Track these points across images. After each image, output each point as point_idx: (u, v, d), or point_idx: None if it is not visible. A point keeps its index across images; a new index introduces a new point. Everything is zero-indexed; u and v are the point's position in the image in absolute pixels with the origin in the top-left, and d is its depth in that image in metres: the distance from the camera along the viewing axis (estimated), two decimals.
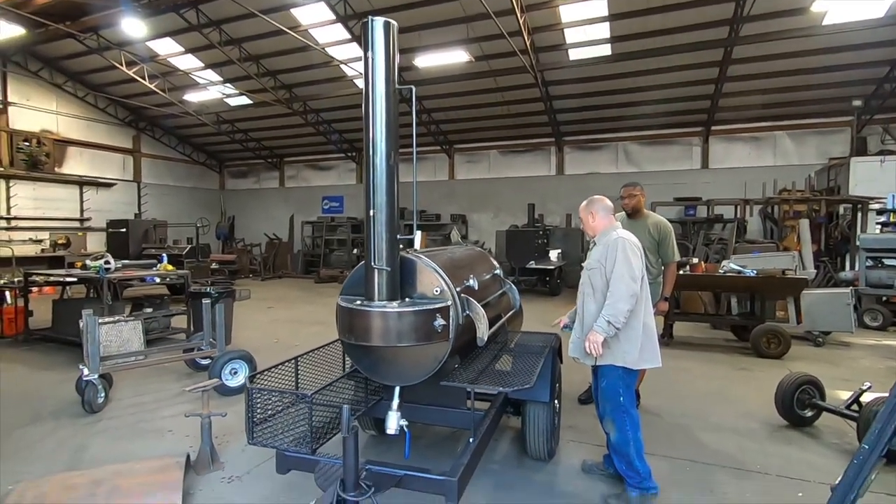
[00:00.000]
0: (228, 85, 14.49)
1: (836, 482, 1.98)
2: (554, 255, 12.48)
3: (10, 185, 14.09)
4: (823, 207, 10.36)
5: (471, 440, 2.51)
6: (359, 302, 2.46)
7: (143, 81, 14.08)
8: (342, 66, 13.08)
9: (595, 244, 3.13)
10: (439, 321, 2.41)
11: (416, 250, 2.77)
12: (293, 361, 2.97)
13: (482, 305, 2.92)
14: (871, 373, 5.60)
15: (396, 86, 2.39)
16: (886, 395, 2.17)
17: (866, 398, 3.86)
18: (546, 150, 16.07)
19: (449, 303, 2.50)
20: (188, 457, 3.22)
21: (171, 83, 14.77)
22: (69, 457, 3.62)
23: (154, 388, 5.20)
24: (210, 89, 14.86)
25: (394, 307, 2.38)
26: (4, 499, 2.65)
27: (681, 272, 6.75)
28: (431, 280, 2.54)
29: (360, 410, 2.93)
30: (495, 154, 16.82)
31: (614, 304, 2.78)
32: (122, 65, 13.50)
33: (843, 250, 10.05)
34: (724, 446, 3.77)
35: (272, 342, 7.16)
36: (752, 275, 6.65)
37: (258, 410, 2.47)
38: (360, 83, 14.35)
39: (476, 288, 2.76)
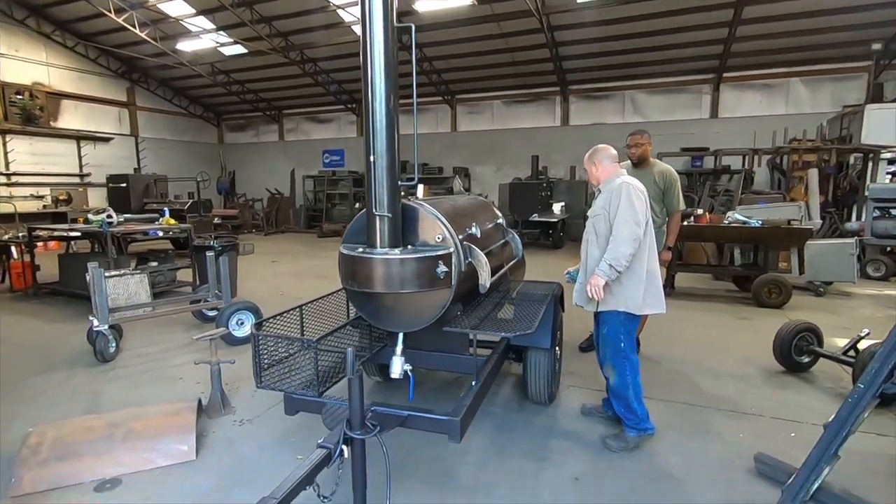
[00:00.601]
0: (222, 33, 13.95)
1: (829, 420, 2.03)
2: (557, 207, 12.39)
3: (7, 140, 13.89)
4: (834, 157, 10.13)
5: (473, 384, 2.57)
6: (361, 249, 2.45)
7: (133, 30, 13.55)
8: (339, 12, 12.53)
9: (600, 192, 3.09)
10: (442, 268, 2.42)
11: (418, 198, 2.73)
12: (298, 310, 3.00)
13: (484, 254, 2.91)
14: (871, 321, 5.65)
15: (395, 24, 2.28)
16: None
17: (863, 345, 3.91)
18: (551, 101, 15.63)
19: (451, 250, 2.49)
20: (200, 402, 3.33)
21: (162, 31, 14.23)
22: (86, 402, 3.75)
23: (163, 338, 5.31)
24: (203, 38, 14.31)
25: (396, 254, 2.37)
26: (26, 440, 2.76)
27: (685, 223, 6.71)
28: (433, 227, 2.52)
29: (364, 357, 2.99)
30: (499, 104, 16.38)
31: (616, 247, 2.78)
32: (110, 12, 12.96)
33: (851, 201, 9.93)
34: (721, 391, 3.86)
35: (277, 295, 7.25)
36: (756, 225, 6.60)
37: (265, 356, 2.52)
38: (358, 30, 13.77)
39: (479, 236, 2.74)
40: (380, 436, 2.09)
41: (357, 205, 16.55)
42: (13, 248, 8.08)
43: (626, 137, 4.37)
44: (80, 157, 15.66)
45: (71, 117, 15.61)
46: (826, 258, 6.90)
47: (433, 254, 2.42)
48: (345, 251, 2.52)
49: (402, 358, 2.69)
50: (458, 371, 3.21)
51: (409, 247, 2.51)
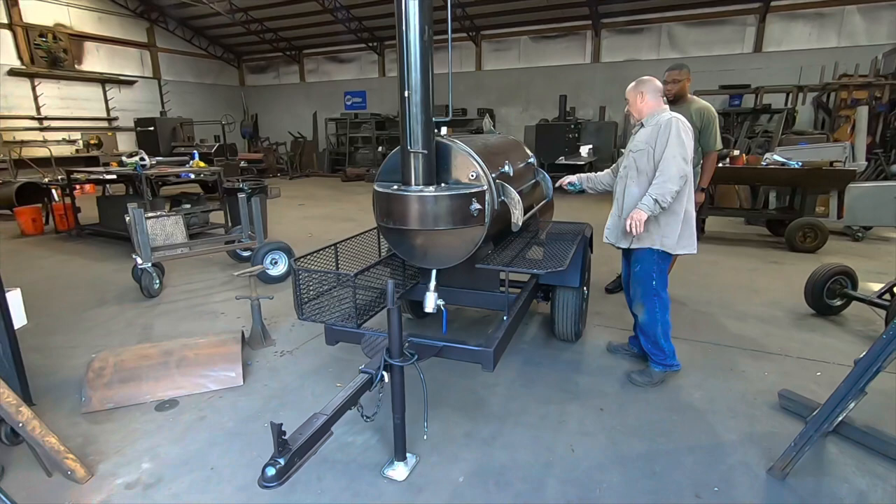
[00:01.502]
0: None
1: (861, 355, 2.06)
2: (585, 150, 12.06)
3: (36, 84, 14.02)
4: (886, 94, 9.48)
5: (504, 318, 2.66)
6: (395, 187, 2.48)
7: None
8: None
9: (642, 126, 3.00)
10: (475, 206, 2.44)
11: (450, 136, 2.71)
12: (333, 248, 3.09)
13: (518, 191, 2.91)
14: None
15: None
16: None
17: None
18: (581, 36, 14.83)
19: (485, 187, 2.50)
20: (243, 334, 3.54)
21: None
22: (138, 333, 4.02)
23: (201, 277, 5.56)
24: None
25: (430, 192, 2.39)
26: (90, 364, 3.00)
27: (719, 165, 6.49)
28: (467, 165, 2.52)
29: (397, 294, 3.09)
30: (526, 41, 15.63)
31: (664, 183, 2.74)
32: None
33: None
34: (747, 332, 3.89)
35: (306, 236, 7.42)
36: (796, 167, 6.34)
37: (304, 290, 2.64)
38: None
39: (511, 174, 2.73)
40: (417, 364, 2.22)
41: (380, 148, 16.40)
42: (54, 191, 8.39)
43: (664, 73, 4.18)
44: (106, 101, 15.78)
45: (95, 60, 15.59)
46: (867, 202, 6.62)
47: (467, 191, 2.43)
48: (379, 189, 2.56)
49: (436, 294, 2.78)
50: (489, 307, 3.30)
51: (443, 184, 2.53)
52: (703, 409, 2.86)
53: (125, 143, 15.63)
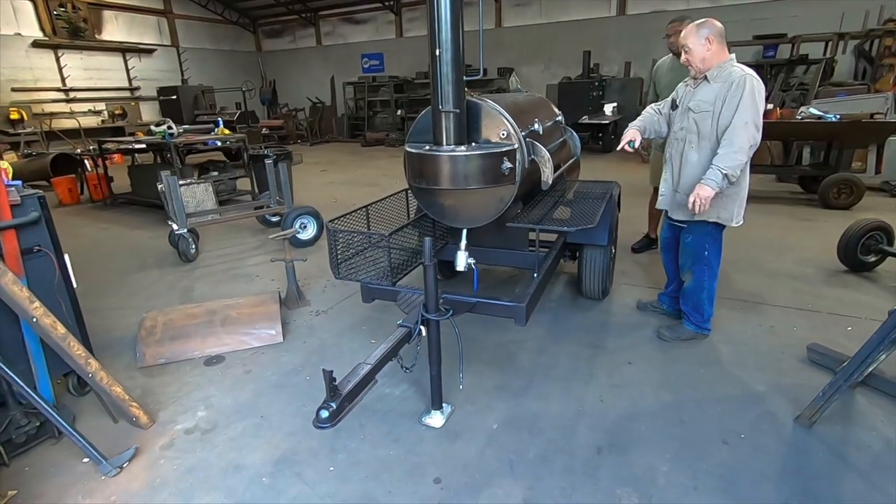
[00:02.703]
0: None
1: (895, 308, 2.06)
2: (609, 108, 11.73)
3: (60, 55, 14.17)
4: None
5: (535, 275, 2.71)
6: (427, 147, 2.51)
7: None
8: None
9: (705, 80, 2.67)
10: (506, 164, 2.46)
11: (479, 95, 2.71)
12: (364, 209, 3.17)
13: (548, 149, 2.91)
14: None
15: None
16: None
17: None
18: None
19: (515, 146, 2.51)
20: (280, 294, 3.69)
21: None
22: (180, 295, 4.21)
23: (234, 241, 5.73)
24: None
25: (462, 151, 2.42)
26: (142, 323, 3.20)
27: None
28: (497, 124, 2.53)
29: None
30: None
31: (734, 154, 2.47)
32: None
33: None
34: (777, 289, 3.87)
35: (331, 202, 7.52)
36: (833, 120, 6.09)
37: (340, 250, 2.73)
38: None
39: (541, 132, 2.73)
40: (452, 319, 2.31)
41: (399, 112, 16.22)
42: (87, 162, 8.63)
43: (667, 25, 4.03)
44: (127, 71, 15.88)
45: (114, 29, 15.60)
46: None
47: (498, 150, 2.45)
48: (411, 150, 2.59)
49: (467, 252, 2.85)
50: (518, 266, 3.35)
51: (474, 144, 2.55)
52: (731, 362, 2.91)
53: (148, 112, 15.80)
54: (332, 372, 1.66)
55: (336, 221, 2.94)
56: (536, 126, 2.71)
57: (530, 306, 2.46)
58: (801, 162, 7.40)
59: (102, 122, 14.87)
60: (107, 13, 15.40)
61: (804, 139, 6.94)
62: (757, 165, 7.58)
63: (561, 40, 14.91)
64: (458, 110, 2.34)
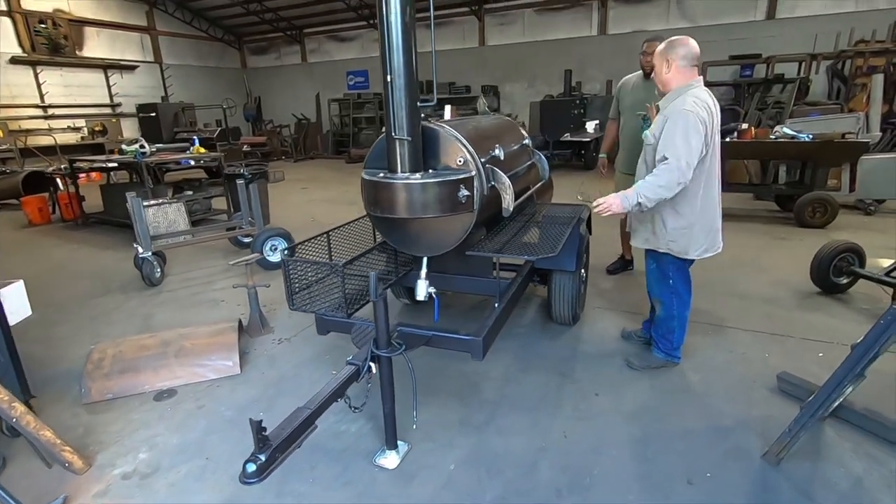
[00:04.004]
0: None
1: (858, 340, 2.00)
2: (591, 126, 11.81)
3: (38, 71, 13.99)
4: None
5: (496, 305, 2.63)
6: (382, 175, 2.44)
7: None
8: None
9: (658, 109, 2.65)
10: (463, 192, 2.38)
11: (439, 120, 2.64)
12: (325, 235, 3.07)
13: (509, 176, 2.85)
14: None
15: None
16: None
17: None
18: (587, 7, 14.38)
19: (473, 173, 2.44)
20: (240, 322, 3.56)
21: None
22: (140, 323, 4.06)
23: (203, 264, 5.58)
24: None
25: (417, 179, 2.34)
26: (89, 356, 3.04)
27: (726, 139, 6.32)
28: (455, 150, 2.46)
29: (390, 280, 3.08)
30: (530, 14, 15.20)
31: (657, 187, 2.41)
32: None
33: None
34: (750, 313, 3.82)
35: (309, 221, 7.41)
36: (806, 140, 6.15)
37: (295, 280, 2.63)
38: None
39: (502, 158, 2.67)
40: (405, 354, 2.20)
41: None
42: (59, 180, 8.44)
43: (643, 44, 4.02)
44: (109, 88, 15.72)
45: (95, 45, 15.47)
46: (881, 174, 6.43)
47: (454, 178, 2.38)
48: (366, 176, 2.51)
49: (427, 281, 2.75)
50: (483, 293, 3.26)
51: (431, 171, 2.47)
52: (701, 392, 2.84)
53: (129, 129, 15.61)
54: (260, 422, 1.55)
55: (301, 246, 2.85)
56: (497, 152, 2.65)
57: (488, 340, 2.37)
58: (778, 180, 7.46)
59: (82, 138, 14.65)
60: (89, 30, 15.28)
61: (779, 158, 7.00)
62: (734, 184, 7.65)
63: (544, 59, 15.08)
64: (410, 138, 2.27)
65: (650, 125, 2.83)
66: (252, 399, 2.91)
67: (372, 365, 2.12)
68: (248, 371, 3.23)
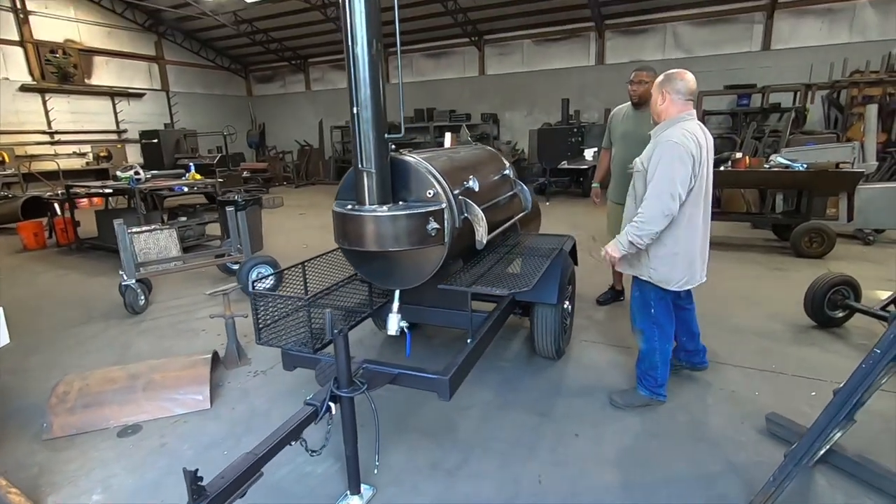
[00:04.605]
0: None
1: (840, 385, 1.89)
2: (590, 153, 11.85)
3: (47, 98, 14.30)
4: None
5: (469, 341, 2.53)
6: (350, 207, 2.39)
7: None
8: None
9: (650, 137, 2.70)
10: (433, 225, 2.32)
11: (411, 151, 2.61)
12: (301, 266, 3.01)
13: (485, 207, 2.80)
14: None
15: None
16: None
17: None
18: (585, 37, 14.63)
19: (443, 205, 2.39)
20: (215, 354, 3.47)
21: None
22: (117, 353, 3.98)
23: (190, 291, 5.52)
24: None
25: (384, 211, 2.29)
26: (54, 389, 2.96)
27: (720, 168, 6.28)
28: (425, 182, 2.41)
29: (365, 313, 3.00)
30: (529, 44, 15.48)
31: (643, 224, 2.48)
32: None
33: None
34: (741, 347, 3.70)
35: (301, 248, 7.37)
36: (800, 169, 6.10)
37: (263, 314, 2.55)
38: None
39: (476, 190, 2.61)
40: (368, 393, 2.11)
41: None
42: (56, 206, 8.49)
43: (631, 73, 4.03)
44: (115, 114, 16.03)
45: (104, 74, 15.85)
46: (879, 204, 6.36)
47: (423, 210, 2.32)
48: (335, 208, 2.46)
49: (399, 315, 2.67)
50: (459, 327, 3.17)
51: (401, 203, 2.42)
52: (686, 434, 2.70)
53: (134, 154, 15.84)
54: (195, 471, 1.45)
55: (266, 280, 2.79)
56: (471, 183, 2.60)
57: (456, 379, 2.27)
58: (775, 209, 7.39)
59: (87, 164, 14.85)
60: (98, 59, 15.68)
61: (774, 188, 6.95)
62: (731, 213, 7.60)
63: (543, 87, 15.27)
64: (374, 170, 2.23)
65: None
66: (218, 436, 2.80)
67: (332, 405, 2.02)
68: (219, 405, 3.12)
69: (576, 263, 3.80)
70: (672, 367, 3.23)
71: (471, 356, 2.45)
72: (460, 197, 2.51)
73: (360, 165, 2.25)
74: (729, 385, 3.19)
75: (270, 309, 2.67)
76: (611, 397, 3.01)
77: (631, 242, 2.56)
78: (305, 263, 3.07)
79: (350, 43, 2.13)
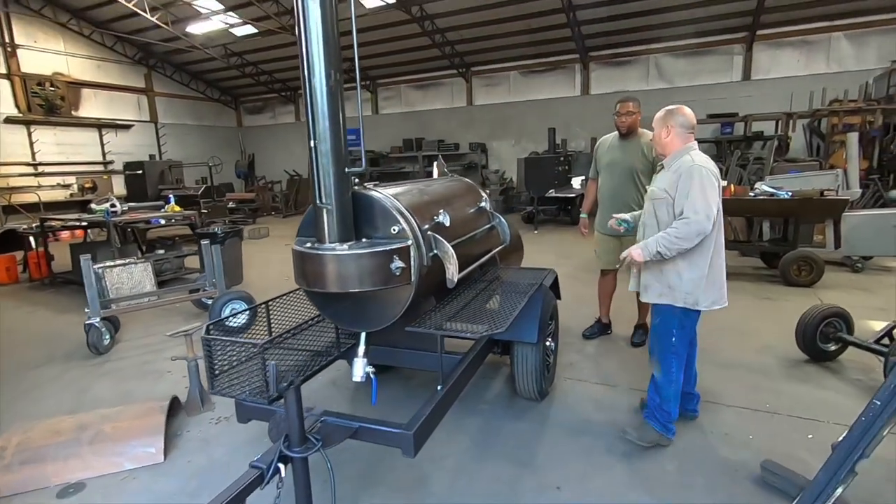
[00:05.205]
0: (231, 14, 13.77)
1: (839, 439, 1.73)
2: (577, 182, 11.88)
3: (32, 130, 14.21)
4: (879, 119, 9.28)
5: (439, 388, 2.35)
6: (309, 245, 2.24)
7: (144, 14, 13.49)
8: None
9: (662, 167, 2.75)
10: (397, 263, 2.17)
11: (376, 185, 2.49)
12: (265, 305, 2.84)
13: (458, 242, 2.66)
14: None
15: None
16: None
17: None
18: (570, 69, 14.90)
19: (409, 242, 2.24)
20: (174, 400, 3.24)
21: (173, 15, 14.12)
22: (73, 398, 3.73)
23: (162, 329, 5.27)
24: (213, 19, 14.18)
25: (344, 250, 2.14)
26: None
27: None
28: (390, 218, 2.27)
29: (333, 356, 2.81)
30: (516, 76, 15.74)
31: (676, 239, 2.49)
32: None
33: None
34: (733, 384, 3.53)
35: (283, 280, 7.17)
36: (785, 197, 6.06)
37: (217, 359, 2.36)
38: (366, 2, 13.39)
39: (447, 224, 2.48)
40: (324, 451, 1.91)
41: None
42: (31, 239, 8.26)
43: (616, 104, 4.00)
44: (102, 146, 15.94)
45: (91, 106, 15.84)
46: (865, 231, 6.31)
47: (386, 248, 2.17)
48: (295, 246, 2.31)
49: (365, 360, 2.49)
50: (432, 370, 2.98)
51: (365, 240, 2.28)
52: (676, 484, 2.51)
53: (120, 186, 15.70)
54: None
55: (223, 322, 2.60)
56: (442, 218, 2.47)
57: (422, 433, 2.07)
58: (762, 236, 7.33)
59: (71, 195, 14.67)
60: (86, 91, 15.70)
61: (759, 216, 6.90)
62: None
63: (530, 117, 15.45)
64: (330, 206, 2.09)
65: (632, 227, 3.03)
66: (169, 495, 2.56)
67: (281, 467, 1.82)
68: (175, 457, 2.89)
69: (558, 297, 3.65)
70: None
71: (440, 405, 2.26)
72: (429, 233, 2.37)
73: (318, 201, 2.11)
74: (721, 427, 3.01)
75: (229, 353, 2.48)
76: (624, 429, 2.87)
77: (659, 252, 2.55)
78: (270, 303, 2.90)
79: (307, 74, 2.02)
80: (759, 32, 12.43)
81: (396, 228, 2.23)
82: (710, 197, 2.50)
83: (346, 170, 2.14)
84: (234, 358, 2.49)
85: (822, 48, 12.09)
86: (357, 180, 2.35)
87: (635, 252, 2.64)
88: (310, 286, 2.27)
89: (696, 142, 2.74)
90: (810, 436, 2.87)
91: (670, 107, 2.75)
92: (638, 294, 4.37)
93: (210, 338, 2.29)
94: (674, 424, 2.82)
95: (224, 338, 2.33)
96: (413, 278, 2.26)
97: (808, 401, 3.27)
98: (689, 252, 2.59)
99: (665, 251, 2.54)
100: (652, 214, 2.74)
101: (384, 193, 2.35)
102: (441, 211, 2.49)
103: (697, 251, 2.59)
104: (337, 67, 2.06)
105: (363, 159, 2.15)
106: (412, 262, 2.24)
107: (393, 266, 2.16)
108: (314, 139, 2.05)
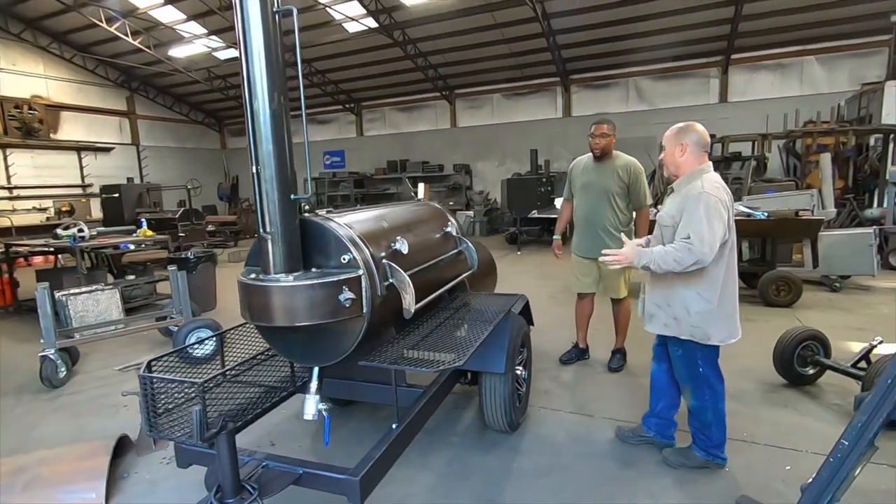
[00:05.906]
0: (214, 37, 13.80)
1: (808, 481, 1.62)
2: (560, 203, 11.89)
3: (7, 154, 13.97)
4: (852, 139, 9.45)
5: (394, 426, 2.20)
6: (253, 276, 2.11)
7: (126, 38, 13.48)
8: (328, 10, 12.23)
9: (672, 191, 2.63)
10: (347, 295, 2.05)
11: (329, 212, 2.38)
12: (218, 337, 2.69)
13: (419, 270, 2.55)
14: (889, 320, 5.13)
15: (275, 7, 1.93)
16: None
17: (878, 352, 3.45)
18: (552, 91, 15.10)
19: (360, 272, 2.13)
20: (123, 438, 3.05)
21: (156, 39, 14.13)
22: (17, 437, 3.50)
23: (124, 359, 5.04)
24: (196, 43, 14.20)
25: (288, 281, 2.02)
26: None
27: None
28: (341, 246, 2.17)
29: (288, 389, 2.66)
30: (499, 98, 15.91)
31: (674, 262, 2.35)
32: (102, 22, 12.89)
33: (872, 186, 9.24)
34: None
35: None
36: (762, 217, 6.07)
37: (160, 398, 2.20)
38: (349, 27, 13.51)
39: (405, 252, 2.38)
40: (261, 501, 1.76)
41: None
42: None
43: (591, 126, 3.99)
44: (81, 168, 15.71)
45: (71, 128, 15.66)
46: (842, 250, 6.33)
47: (334, 279, 2.06)
48: (240, 277, 2.19)
49: (317, 397, 2.34)
50: (390, 404, 2.84)
51: (315, 270, 2.16)
52: None
53: (99, 209, 15.43)
54: None
55: (166, 359, 2.45)
56: (399, 245, 2.36)
57: (370, 479, 1.92)
58: (741, 257, 7.33)
59: (48, 219, 14.34)
60: (66, 114, 15.53)
61: (739, 236, 6.89)
62: None
63: (513, 139, 15.58)
64: (270, 236, 1.98)
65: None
66: None
67: None
68: (118, 502, 2.69)
69: (531, 323, 3.54)
70: (637, 437, 2.99)
71: (394, 445, 2.12)
72: (384, 261, 2.26)
73: (262, 231, 2.00)
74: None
75: (174, 391, 2.33)
76: (663, 453, 2.79)
77: (652, 264, 2.44)
78: (227, 333, 2.76)
79: (249, 96, 1.94)
80: (734, 56, 12.72)
81: (347, 258, 2.12)
82: (715, 227, 2.35)
83: (292, 197, 2.03)
84: (178, 396, 2.34)
85: (795, 71, 12.39)
86: (307, 207, 2.24)
87: (629, 253, 2.51)
88: (254, 319, 2.14)
89: (710, 162, 2.62)
90: (788, 467, 2.76)
91: (681, 124, 2.63)
92: (614, 317, 4.30)
93: (147, 376, 2.13)
94: (722, 449, 2.70)
95: (162, 376, 2.18)
96: (365, 310, 2.14)
97: (787, 428, 3.17)
98: (698, 285, 2.49)
99: (656, 267, 2.44)
100: (660, 240, 2.65)
101: (337, 221, 2.24)
102: (399, 238, 2.39)
103: (707, 284, 2.48)
104: (281, 90, 1.98)
105: (309, 183, 2.04)
106: (363, 293, 2.13)
107: (342, 297, 2.04)
108: (256, 164, 1.95)
